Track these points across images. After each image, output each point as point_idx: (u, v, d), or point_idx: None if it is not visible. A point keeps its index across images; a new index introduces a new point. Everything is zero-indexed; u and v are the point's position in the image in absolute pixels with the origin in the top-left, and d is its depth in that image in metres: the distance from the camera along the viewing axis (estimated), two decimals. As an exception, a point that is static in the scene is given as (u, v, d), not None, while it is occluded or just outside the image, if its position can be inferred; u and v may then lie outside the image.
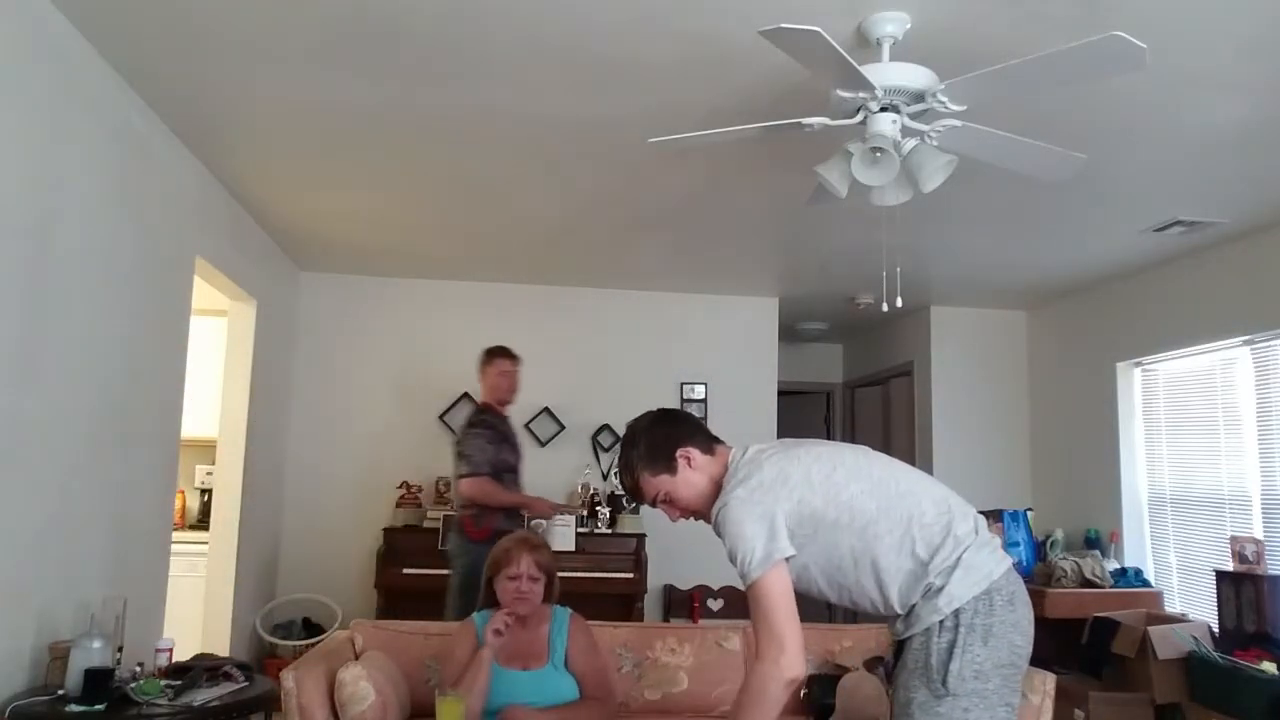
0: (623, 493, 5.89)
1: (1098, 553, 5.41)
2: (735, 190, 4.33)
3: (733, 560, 2.05)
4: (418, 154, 3.96)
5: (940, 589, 1.99)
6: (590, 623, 3.14)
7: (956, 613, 1.97)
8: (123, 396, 3.47)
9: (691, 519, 2.28)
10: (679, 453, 2.22)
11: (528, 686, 2.91)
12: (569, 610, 3.11)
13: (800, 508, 2.06)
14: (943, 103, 2.66)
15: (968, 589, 1.97)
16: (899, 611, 2.06)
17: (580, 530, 5.67)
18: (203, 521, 5.69)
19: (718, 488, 2.19)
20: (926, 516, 2.04)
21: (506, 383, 4.64)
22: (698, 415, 6.49)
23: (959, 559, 2.00)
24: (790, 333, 7.46)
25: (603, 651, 3.16)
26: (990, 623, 1.96)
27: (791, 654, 1.96)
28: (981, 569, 1.99)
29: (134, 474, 3.62)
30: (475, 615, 3.02)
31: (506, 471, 4.50)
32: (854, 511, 2.06)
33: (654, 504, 2.27)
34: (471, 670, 2.78)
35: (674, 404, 6.47)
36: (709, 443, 2.28)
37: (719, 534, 2.09)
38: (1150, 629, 4.41)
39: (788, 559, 2.02)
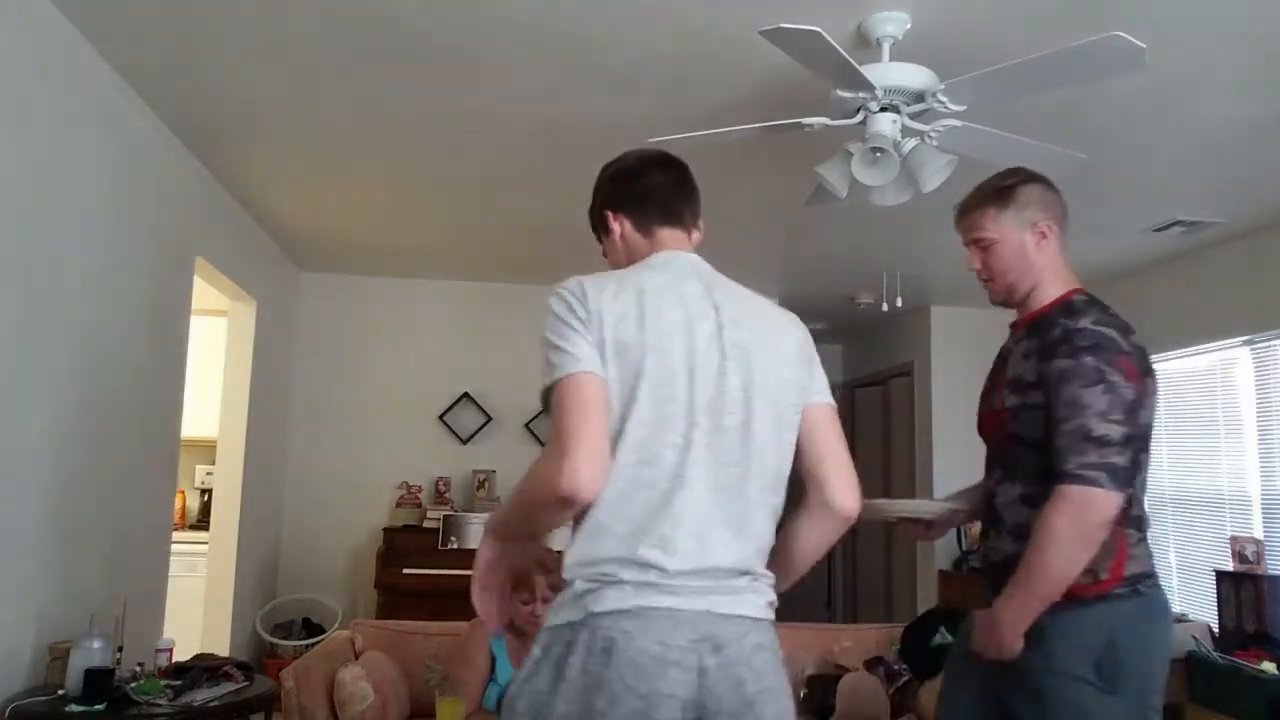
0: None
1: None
2: (735, 190, 4.33)
3: None
4: (417, 154, 3.96)
5: None
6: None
7: None
8: (123, 396, 3.47)
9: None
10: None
11: None
12: None
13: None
14: (943, 103, 2.67)
15: None
16: None
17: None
18: (203, 521, 5.70)
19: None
20: None
21: None
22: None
23: None
24: (790, 333, 7.44)
25: None
26: None
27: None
28: None
29: (134, 474, 3.62)
30: None
31: None
32: None
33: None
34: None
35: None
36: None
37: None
38: (1150, 629, 4.40)
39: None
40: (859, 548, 7.88)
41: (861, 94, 2.65)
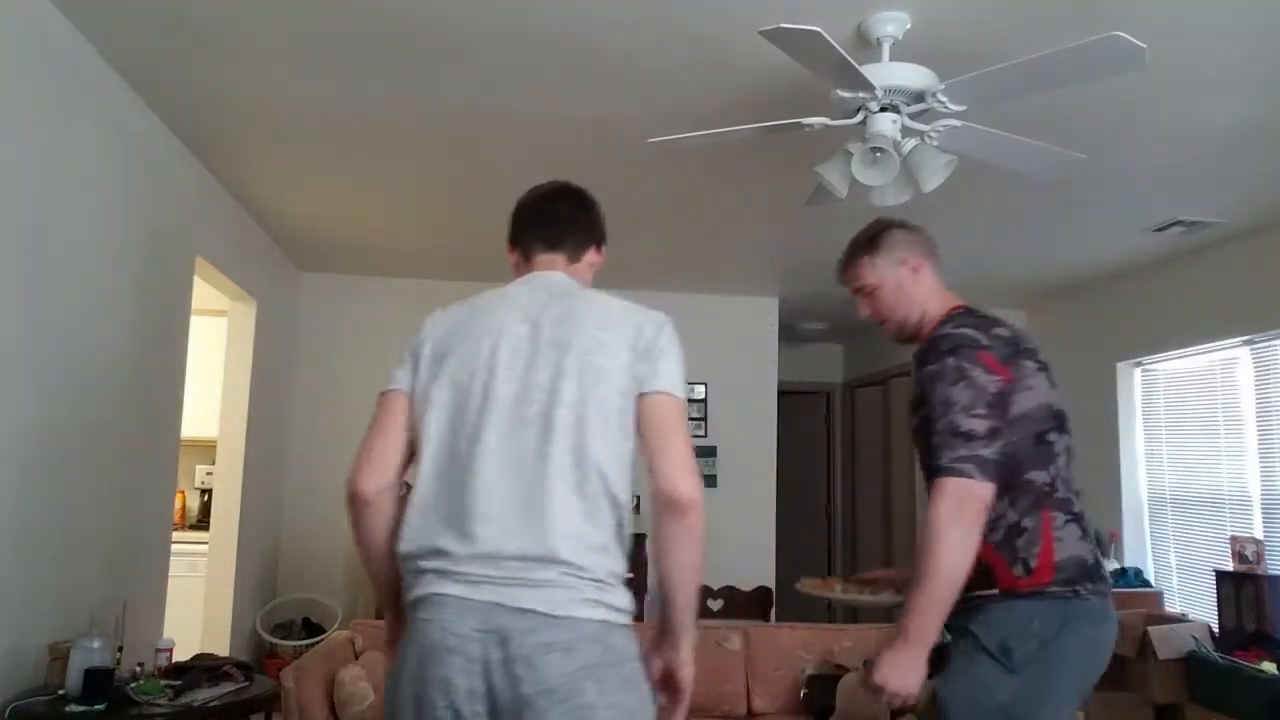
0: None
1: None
2: (735, 190, 4.33)
3: None
4: (417, 154, 3.96)
5: None
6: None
7: None
8: (123, 396, 3.47)
9: None
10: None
11: None
12: None
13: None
14: (943, 103, 2.67)
15: None
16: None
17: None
18: (203, 521, 5.69)
19: None
20: None
21: None
22: (697, 415, 6.51)
23: None
24: (790, 333, 7.46)
25: None
26: None
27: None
28: None
29: (134, 474, 3.62)
30: None
31: None
32: None
33: None
34: None
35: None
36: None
37: None
38: (1150, 629, 4.41)
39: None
40: (859, 547, 7.88)
41: (861, 94, 2.65)
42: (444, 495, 1.60)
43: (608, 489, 1.58)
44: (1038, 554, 1.89)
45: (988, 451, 1.85)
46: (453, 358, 1.67)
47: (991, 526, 1.91)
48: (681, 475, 1.59)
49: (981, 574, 1.91)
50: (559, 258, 1.84)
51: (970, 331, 1.97)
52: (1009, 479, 1.91)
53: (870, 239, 2.19)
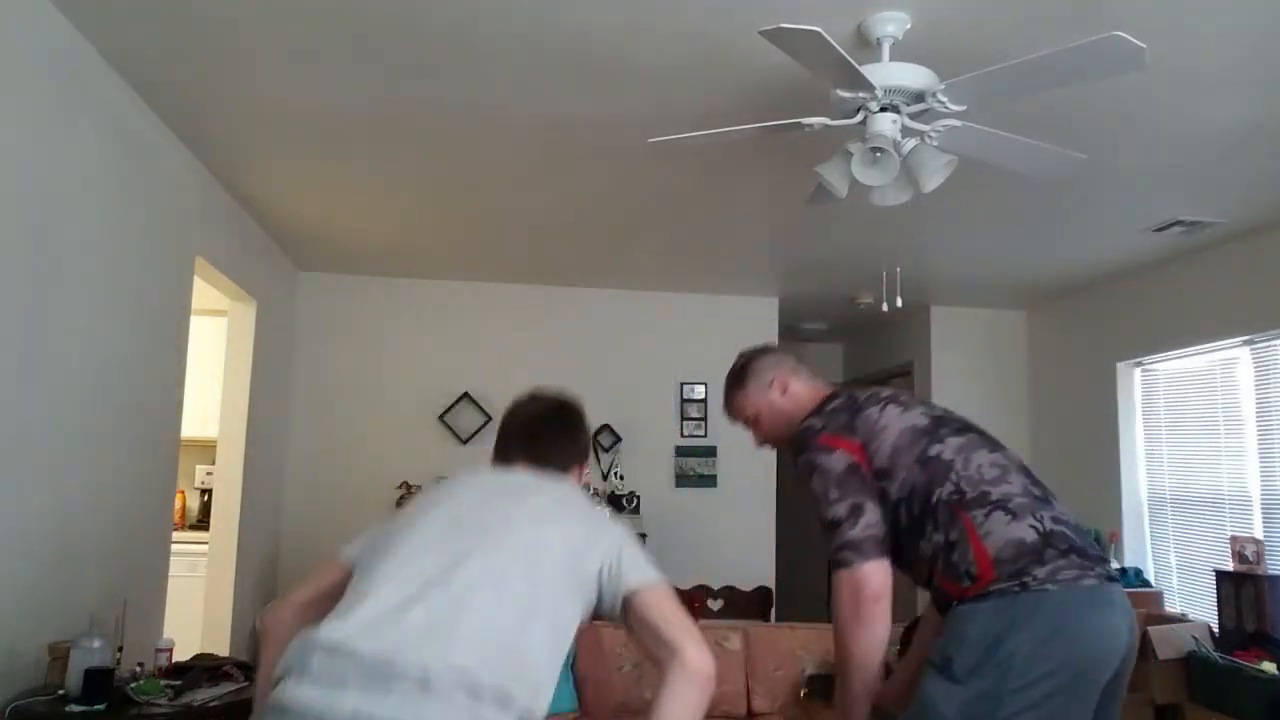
0: (623, 493, 5.90)
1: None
2: (735, 190, 4.33)
3: None
4: (417, 154, 3.96)
5: None
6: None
7: None
8: (123, 396, 3.47)
9: None
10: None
11: None
12: None
13: None
14: (943, 103, 2.67)
15: None
16: None
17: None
18: (203, 521, 5.70)
19: None
20: None
21: None
22: (697, 415, 6.51)
23: None
24: (790, 333, 7.45)
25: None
26: None
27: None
28: None
29: (134, 474, 3.61)
30: None
31: None
32: None
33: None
34: None
35: (674, 404, 6.47)
36: None
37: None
38: (1150, 629, 4.40)
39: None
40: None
41: (861, 94, 2.65)
42: (355, 584, 1.54)
43: (516, 640, 1.48)
44: (973, 558, 1.87)
45: (855, 531, 1.92)
46: (412, 503, 1.73)
47: (935, 556, 1.92)
48: (707, 654, 1.57)
49: (946, 601, 1.93)
50: (541, 472, 1.87)
51: (809, 422, 2.10)
52: (922, 509, 1.93)
53: (737, 375, 2.34)
